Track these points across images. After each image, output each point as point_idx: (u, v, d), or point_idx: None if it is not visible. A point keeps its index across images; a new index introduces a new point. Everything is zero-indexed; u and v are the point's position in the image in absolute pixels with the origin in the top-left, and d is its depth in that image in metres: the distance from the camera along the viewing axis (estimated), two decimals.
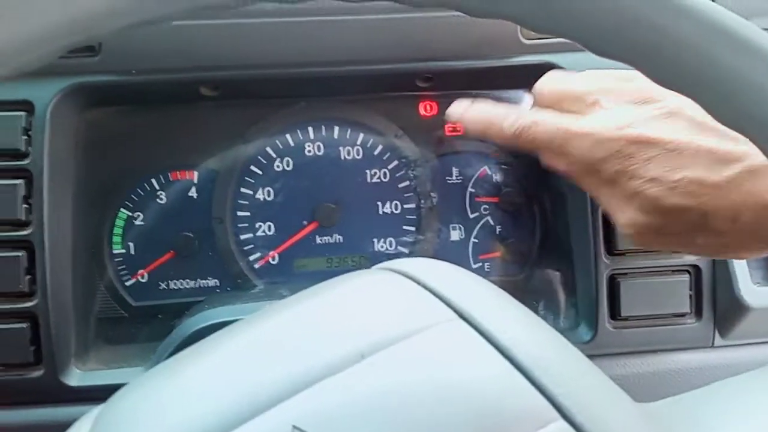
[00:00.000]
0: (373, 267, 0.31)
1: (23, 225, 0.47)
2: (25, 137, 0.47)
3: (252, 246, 0.55)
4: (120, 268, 0.54)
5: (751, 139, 0.24)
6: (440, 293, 0.27)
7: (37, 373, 0.47)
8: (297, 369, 0.24)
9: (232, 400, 0.24)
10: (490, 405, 0.23)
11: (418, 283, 0.28)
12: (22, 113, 0.47)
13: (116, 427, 0.26)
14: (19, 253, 0.47)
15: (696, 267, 0.50)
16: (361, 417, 0.22)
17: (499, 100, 0.55)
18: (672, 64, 0.24)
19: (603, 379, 0.25)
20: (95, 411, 0.29)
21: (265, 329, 0.27)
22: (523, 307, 0.28)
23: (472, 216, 0.56)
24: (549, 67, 0.51)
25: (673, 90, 0.26)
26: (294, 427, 0.22)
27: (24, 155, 0.47)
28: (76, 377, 0.48)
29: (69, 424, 0.39)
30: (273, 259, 0.55)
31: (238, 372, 0.25)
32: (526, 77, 0.52)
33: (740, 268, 0.48)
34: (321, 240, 0.55)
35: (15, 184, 0.47)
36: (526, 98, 0.55)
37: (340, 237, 0.55)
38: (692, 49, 0.23)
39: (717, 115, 0.25)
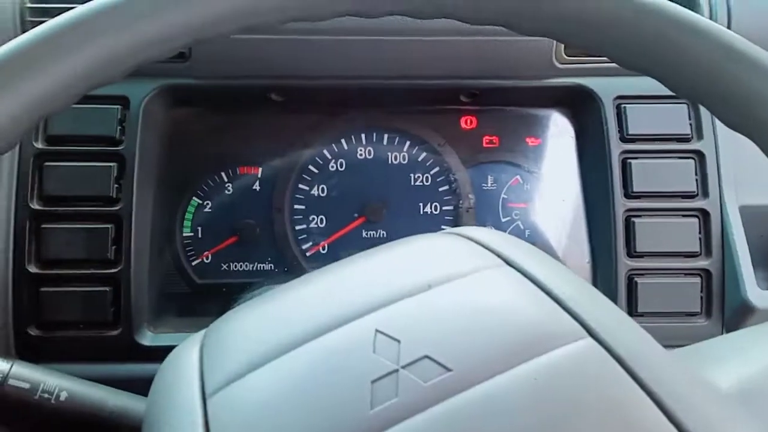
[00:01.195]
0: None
1: (114, 202, 0.54)
2: (120, 127, 0.55)
3: (305, 236, 0.61)
4: (188, 249, 0.60)
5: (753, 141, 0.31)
6: (489, 246, 0.33)
7: (115, 332, 0.54)
8: (376, 293, 0.30)
9: (322, 314, 0.30)
10: (529, 322, 0.28)
11: (471, 239, 0.34)
12: (119, 107, 0.55)
13: (224, 342, 0.32)
14: (109, 226, 0.54)
15: (707, 271, 0.55)
16: (429, 325, 0.28)
17: (531, 117, 0.62)
18: (690, 77, 0.30)
19: (625, 315, 0.30)
20: (200, 334, 0.35)
21: (346, 269, 0.33)
22: (553, 259, 0.34)
23: (504, 220, 0.62)
24: (579, 89, 0.58)
25: (686, 98, 0.32)
26: (377, 330, 0.28)
27: (118, 142, 0.55)
28: (148, 338, 0.55)
29: (140, 379, 0.45)
30: (323, 249, 0.61)
31: (325, 296, 0.32)
32: (557, 98, 0.59)
33: (747, 272, 0.53)
34: (367, 234, 0.61)
35: (110, 166, 0.54)
36: (556, 118, 0.62)
37: (384, 232, 0.61)
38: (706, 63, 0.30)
39: (722, 118, 0.31)
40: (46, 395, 0.40)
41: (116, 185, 0.54)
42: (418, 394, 0.26)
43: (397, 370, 0.27)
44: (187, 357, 0.32)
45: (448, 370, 0.27)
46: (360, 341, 0.28)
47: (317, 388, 0.27)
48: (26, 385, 0.39)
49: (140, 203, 0.55)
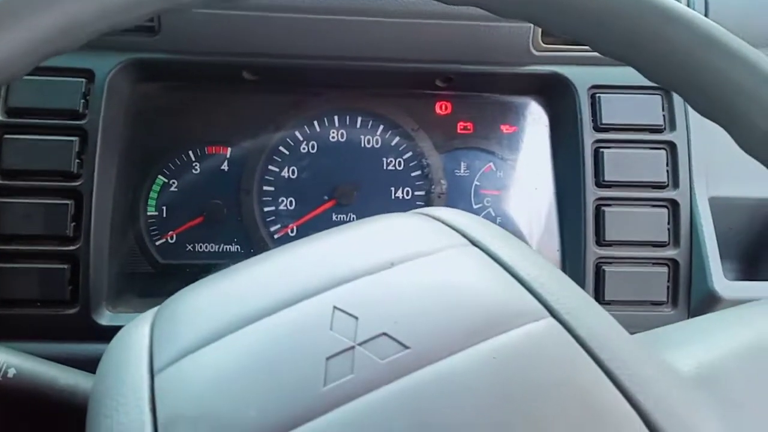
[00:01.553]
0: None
1: (74, 177, 0.52)
2: (84, 101, 0.53)
3: (274, 218, 0.60)
4: (152, 228, 0.59)
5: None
6: (456, 226, 0.33)
7: (72, 311, 0.52)
8: (336, 270, 0.30)
9: (280, 290, 0.29)
10: (491, 301, 0.28)
11: (438, 219, 0.34)
12: (83, 80, 0.53)
13: (176, 318, 0.30)
14: (68, 202, 0.52)
15: (675, 261, 0.55)
16: (388, 302, 0.28)
17: (506, 105, 0.61)
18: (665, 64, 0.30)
19: (589, 298, 0.30)
20: (152, 311, 0.33)
21: (307, 246, 0.33)
22: (521, 241, 0.33)
23: (476, 206, 0.61)
24: (555, 77, 0.57)
25: (662, 85, 0.32)
26: (335, 307, 0.28)
27: (81, 116, 0.53)
28: (106, 317, 0.53)
29: (97, 360, 0.44)
30: (292, 231, 0.60)
31: (283, 273, 0.31)
32: (533, 85, 0.59)
33: (715, 263, 0.54)
34: (337, 217, 0.60)
35: (71, 141, 0.52)
36: (531, 106, 0.61)
37: (354, 216, 0.60)
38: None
39: (696, 107, 0.31)
40: None
41: (77, 160, 0.52)
42: (374, 372, 0.25)
43: (353, 347, 0.26)
44: (137, 333, 0.30)
45: (406, 347, 0.26)
46: (317, 318, 0.27)
47: (270, 364, 0.26)
48: None
49: (102, 179, 0.53)
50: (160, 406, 0.25)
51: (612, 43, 0.31)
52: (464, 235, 0.32)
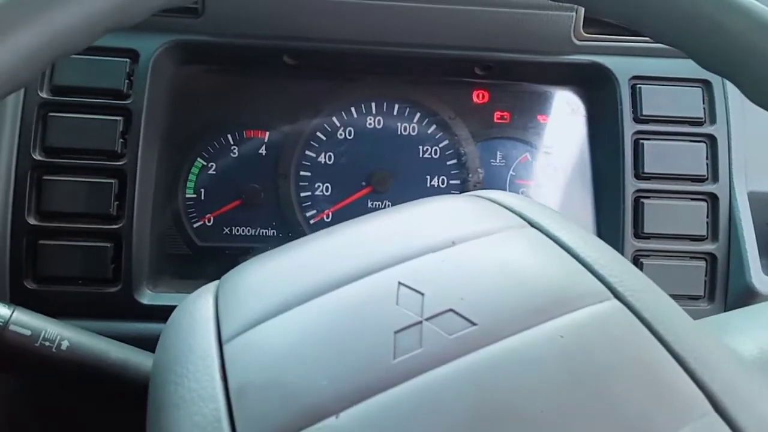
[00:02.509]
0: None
1: (119, 156, 0.53)
2: (128, 81, 0.54)
3: (310, 203, 0.60)
4: (190, 210, 0.59)
5: None
6: (513, 208, 0.33)
7: (114, 289, 0.53)
8: (398, 247, 0.30)
9: (344, 265, 0.29)
10: (554, 281, 0.28)
11: (494, 201, 0.34)
12: (127, 60, 0.54)
13: (242, 289, 0.31)
14: (112, 181, 0.52)
15: (713, 255, 0.55)
16: (453, 280, 0.28)
17: (543, 95, 0.61)
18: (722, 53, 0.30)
19: (650, 281, 0.30)
20: (213, 284, 0.34)
21: (368, 223, 0.33)
22: (577, 224, 0.33)
23: None
24: (595, 67, 0.57)
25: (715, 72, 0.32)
26: (400, 283, 0.28)
27: (125, 96, 0.53)
28: (147, 296, 0.54)
29: (138, 338, 0.45)
30: (327, 217, 0.61)
31: (346, 248, 0.31)
32: (573, 75, 0.59)
33: (753, 258, 0.53)
34: (372, 204, 0.61)
35: (116, 120, 0.53)
36: (569, 96, 0.61)
37: (390, 203, 0.61)
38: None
39: (751, 96, 0.31)
40: (47, 343, 0.39)
41: (122, 140, 0.53)
42: (443, 346, 0.25)
43: (420, 322, 0.26)
44: (201, 305, 0.31)
45: (473, 324, 0.26)
46: (382, 293, 0.28)
47: (338, 335, 0.26)
48: (27, 332, 0.38)
49: (145, 160, 0.54)
50: (230, 374, 0.26)
51: (666, 28, 0.31)
52: (522, 217, 0.32)
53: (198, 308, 0.30)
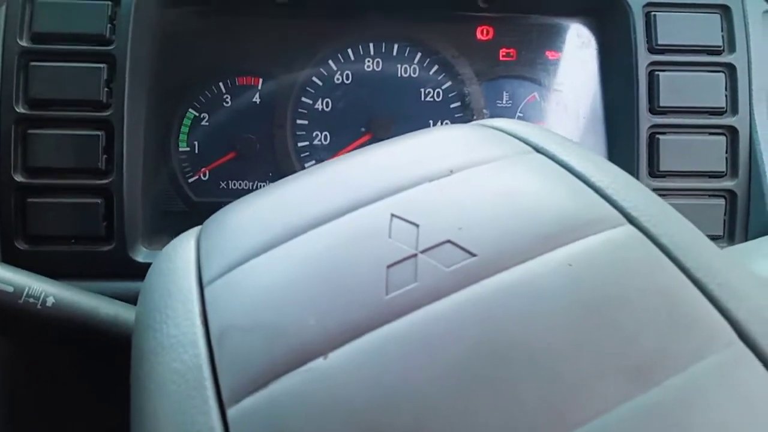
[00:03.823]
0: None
1: (104, 107, 0.50)
2: (110, 25, 0.51)
3: (308, 153, 0.58)
4: (184, 165, 0.57)
5: None
6: (518, 134, 0.30)
7: (107, 247, 0.51)
8: (391, 178, 0.27)
9: (332, 199, 0.27)
10: (564, 209, 0.26)
11: (498, 128, 0.31)
12: (109, 3, 0.51)
13: (225, 230, 0.29)
14: (99, 133, 0.50)
15: (732, 192, 0.52)
16: (450, 209, 0.26)
17: (552, 28, 0.58)
18: None
19: (668, 206, 0.27)
20: (196, 228, 0.32)
21: (360, 157, 0.30)
22: (589, 149, 0.31)
23: None
24: None
25: None
26: (393, 215, 0.26)
27: (109, 42, 0.51)
28: (143, 254, 0.52)
29: (135, 298, 0.43)
30: None
31: (335, 182, 0.29)
32: (584, 4, 0.55)
33: None
34: None
35: (99, 68, 0.50)
36: (579, 28, 0.58)
37: None
38: None
39: None
40: (31, 300, 0.37)
41: (107, 89, 0.50)
42: (440, 280, 0.23)
43: (415, 255, 0.24)
44: (182, 248, 0.29)
45: (473, 255, 0.24)
46: (374, 226, 0.25)
47: (326, 272, 0.24)
48: (9, 288, 0.37)
49: (132, 110, 0.51)
50: (211, 317, 0.24)
51: None
52: (527, 143, 0.30)
53: (178, 253, 0.28)
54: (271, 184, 0.31)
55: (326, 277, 0.24)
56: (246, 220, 0.28)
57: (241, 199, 0.31)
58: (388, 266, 0.24)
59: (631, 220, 0.25)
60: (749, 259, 0.27)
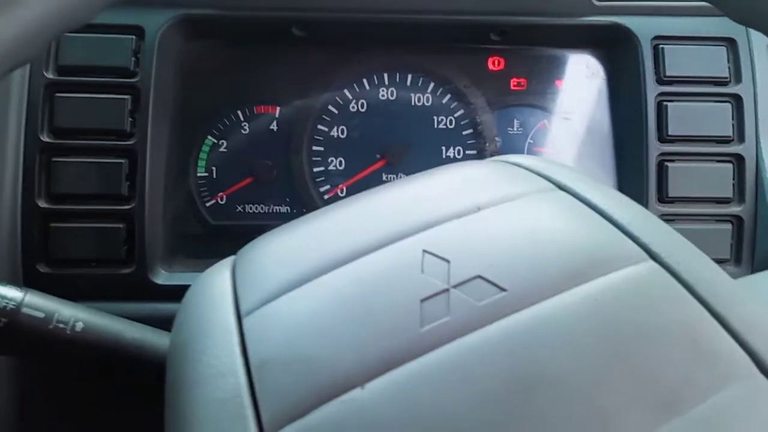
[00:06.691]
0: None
1: (128, 136, 0.52)
2: (135, 59, 0.52)
3: (323, 178, 0.59)
4: (202, 189, 0.58)
5: None
6: (540, 171, 0.31)
7: (128, 270, 0.52)
8: (422, 214, 0.29)
9: (366, 234, 0.28)
10: (586, 244, 0.27)
11: (518, 165, 0.32)
12: (133, 37, 0.53)
13: (260, 262, 0.30)
14: (123, 161, 0.51)
15: (739, 217, 0.53)
16: (479, 246, 0.27)
17: (561, 59, 0.59)
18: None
19: (687, 241, 0.29)
20: (229, 259, 0.33)
21: (389, 192, 0.32)
22: (608, 186, 0.32)
23: None
24: (616, 28, 0.55)
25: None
26: (424, 251, 0.27)
27: (133, 74, 0.52)
28: (162, 277, 0.53)
29: (154, 319, 0.44)
30: (341, 192, 0.59)
31: (367, 217, 0.30)
32: (592, 37, 0.57)
33: None
34: (387, 177, 0.59)
35: (124, 99, 0.52)
36: (587, 60, 0.59)
37: (405, 176, 0.59)
38: None
39: None
40: (61, 325, 0.38)
41: (130, 119, 0.52)
42: (471, 314, 0.24)
43: (447, 290, 0.25)
44: (218, 279, 0.30)
45: (503, 290, 0.25)
46: (406, 261, 0.27)
47: (361, 306, 0.25)
48: (41, 315, 0.38)
49: (155, 138, 0.52)
50: (251, 349, 0.25)
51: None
52: (549, 180, 0.31)
53: (215, 283, 0.30)
54: (303, 216, 0.32)
55: (362, 310, 0.25)
56: (281, 253, 0.29)
57: (275, 230, 0.32)
58: (422, 300, 0.25)
59: (653, 256, 0.26)
60: (763, 291, 0.29)
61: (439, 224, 0.28)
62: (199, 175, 0.58)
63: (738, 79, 0.54)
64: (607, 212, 0.28)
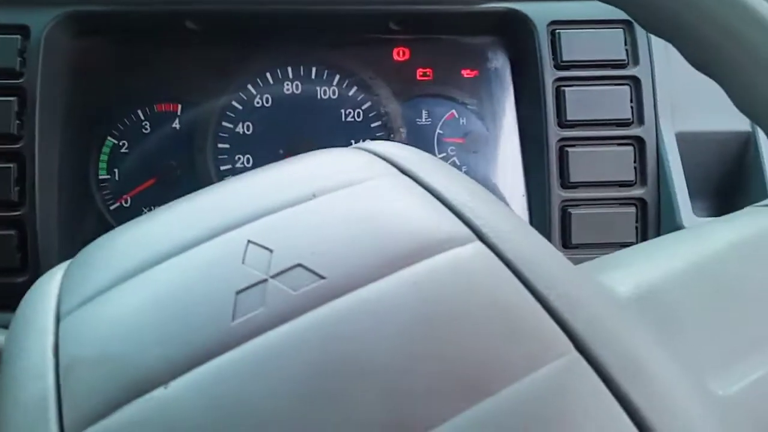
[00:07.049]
0: None
1: (16, 139, 0.50)
2: (21, 59, 0.51)
3: (230, 176, 0.58)
4: (105, 192, 0.57)
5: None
6: (388, 157, 0.31)
7: (22, 279, 0.50)
8: (254, 205, 0.28)
9: (193, 228, 0.27)
10: (418, 229, 0.26)
11: (372, 152, 0.32)
12: (18, 37, 0.51)
13: (87, 263, 0.29)
14: (10, 165, 0.50)
15: (642, 200, 0.53)
16: (306, 233, 0.26)
17: (466, 47, 0.59)
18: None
19: (524, 223, 0.28)
20: (68, 261, 0.32)
21: (229, 184, 0.31)
22: (455, 169, 0.31)
23: (439, 155, 0.59)
24: (514, 14, 0.55)
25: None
26: (249, 241, 0.26)
27: (19, 75, 0.51)
28: None
29: None
30: None
31: (199, 211, 0.29)
32: (491, 24, 0.57)
33: (683, 200, 0.52)
34: None
35: (9, 101, 0.50)
36: (492, 47, 0.59)
37: None
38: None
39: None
40: None
41: (18, 121, 0.50)
42: (287, 304, 0.23)
43: (265, 280, 0.24)
44: (49, 282, 0.29)
45: (322, 277, 0.24)
46: (229, 253, 0.26)
47: (176, 301, 0.24)
48: None
49: (44, 141, 0.51)
50: (62, 349, 0.24)
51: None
52: (394, 165, 0.30)
53: (44, 287, 0.28)
54: (145, 215, 0.31)
55: (175, 307, 0.24)
56: (108, 253, 0.28)
57: (111, 231, 0.31)
58: (237, 292, 0.24)
59: (481, 237, 0.26)
60: (602, 271, 0.28)
61: (271, 213, 0.27)
62: (100, 177, 0.57)
63: (636, 61, 0.55)
64: (444, 195, 0.28)
